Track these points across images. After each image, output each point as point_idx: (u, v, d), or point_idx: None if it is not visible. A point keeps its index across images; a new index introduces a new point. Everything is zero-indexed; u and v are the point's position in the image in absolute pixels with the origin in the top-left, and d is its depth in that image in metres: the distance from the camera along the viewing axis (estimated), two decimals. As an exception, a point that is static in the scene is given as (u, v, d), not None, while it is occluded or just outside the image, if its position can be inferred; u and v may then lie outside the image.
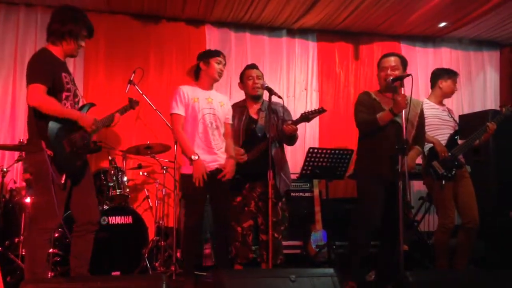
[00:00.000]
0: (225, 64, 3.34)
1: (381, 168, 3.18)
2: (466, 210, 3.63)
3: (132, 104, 3.21)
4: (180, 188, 3.46)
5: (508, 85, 6.08)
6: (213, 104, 3.28)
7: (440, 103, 3.86)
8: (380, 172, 3.18)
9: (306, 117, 3.42)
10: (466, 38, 5.92)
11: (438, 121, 3.72)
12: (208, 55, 3.31)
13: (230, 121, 3.44)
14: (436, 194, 3.65)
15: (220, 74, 3.31)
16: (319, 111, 3.42)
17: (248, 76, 3.66)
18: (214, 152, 3.22)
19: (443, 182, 3.54)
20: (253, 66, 3.72)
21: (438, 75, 3.88)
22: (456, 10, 4.95)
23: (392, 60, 3.30)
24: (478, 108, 5.80)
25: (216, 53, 3.32)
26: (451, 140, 3.68)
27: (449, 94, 3.88)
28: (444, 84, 3.83)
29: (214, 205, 3.32)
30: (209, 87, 3.33)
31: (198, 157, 3.11)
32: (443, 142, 3.67)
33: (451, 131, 3.73)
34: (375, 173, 3.21)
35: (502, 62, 6.13)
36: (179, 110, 3.20)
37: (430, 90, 3.97)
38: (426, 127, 3.62)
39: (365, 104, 3.28)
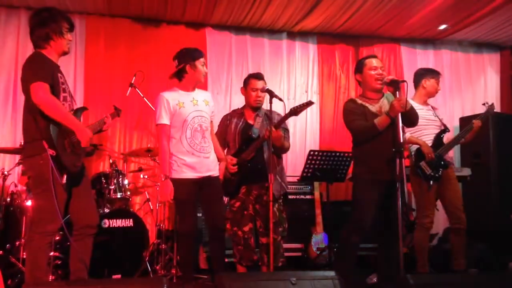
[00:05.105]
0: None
1: (378, 172, 3.14)
2: (452, 210, 3.66)
3: (117, 112, 3.12)
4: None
5: (508, 87, 6.08)
6: (198, 106, 3.21)
7: (425, 102, 3.89)
8: (377, 176, 3.15)
9: (294, 111, 3.39)
10: (466, 41, 5.92)
11: (423, 121, 3.69)
12: (193, 57, 3.19)
13: (214, 118, 3.40)
14: (421, 194, 3.66)
15: (204, 76, 3.27)
16: (307, 104, 3.40)
17: (253, 86, 3.60)
18: (205, 157, 3.17)
19: (431, 182, 3.57)
20: (260, 77, 3.64)
21: (422, 74, 3.93)
22: (456, 12, 4.95)
23: (379, 61, 3.31)
24: (479, 110, 5.74)
25: (200, 54, 3.23)
26: (437, 139, 3.70)
27: (433, 93, 3.91)
28: (428, 83, 3.87)
29: (206, 210, 3.29)
30: (192, 88, 3.26)
31: (167, 178, 3.08)
32: (429, 142, 3.68)
33: (437, 131, 3.75)
34: (372, 178, 3.16)
35: (503, 64, 6.13)
36: (164, 119, 3.13)
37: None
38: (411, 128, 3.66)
39: (356, 111, 3.22)
